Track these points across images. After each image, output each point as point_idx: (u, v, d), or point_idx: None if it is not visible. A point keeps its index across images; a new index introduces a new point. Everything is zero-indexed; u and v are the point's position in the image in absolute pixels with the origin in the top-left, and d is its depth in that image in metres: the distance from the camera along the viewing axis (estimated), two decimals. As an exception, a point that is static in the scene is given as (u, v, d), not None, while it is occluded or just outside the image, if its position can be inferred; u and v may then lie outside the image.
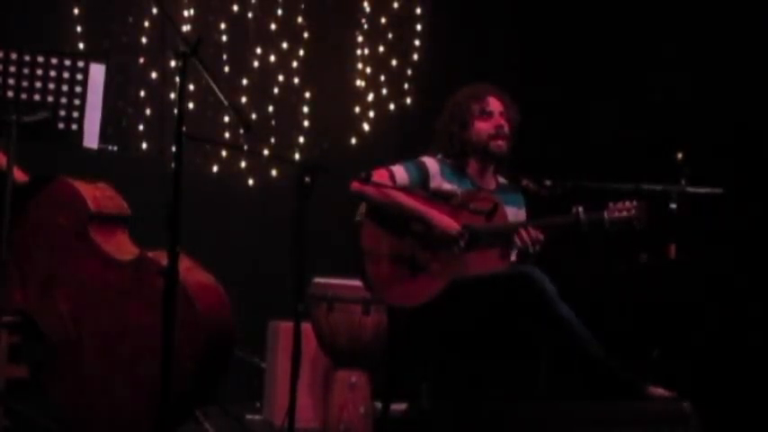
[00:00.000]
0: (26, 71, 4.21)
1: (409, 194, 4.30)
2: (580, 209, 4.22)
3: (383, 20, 6.44)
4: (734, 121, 5.46)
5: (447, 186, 4.39)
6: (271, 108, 6.24)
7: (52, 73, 4.23)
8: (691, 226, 4.61)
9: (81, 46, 5.83)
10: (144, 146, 5.97)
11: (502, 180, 4.56)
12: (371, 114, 6.41)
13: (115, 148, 4.75)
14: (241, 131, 6.01)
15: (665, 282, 4.72)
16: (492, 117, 4.42)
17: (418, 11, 6.49)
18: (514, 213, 4.46)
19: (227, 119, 6.04)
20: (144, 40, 6.00)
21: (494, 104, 4.43)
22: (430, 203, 4.31)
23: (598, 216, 4.21)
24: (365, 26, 6.41)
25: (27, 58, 4.21)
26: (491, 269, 4.26)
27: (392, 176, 4.32)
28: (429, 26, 6.49)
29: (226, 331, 4.31)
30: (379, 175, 4.30)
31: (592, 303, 4.29)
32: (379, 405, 4.83)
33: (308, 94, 6.31)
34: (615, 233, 4.21)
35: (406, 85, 6.47)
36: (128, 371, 4.13)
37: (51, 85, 4.23)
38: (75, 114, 4.26)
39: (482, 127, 4.42)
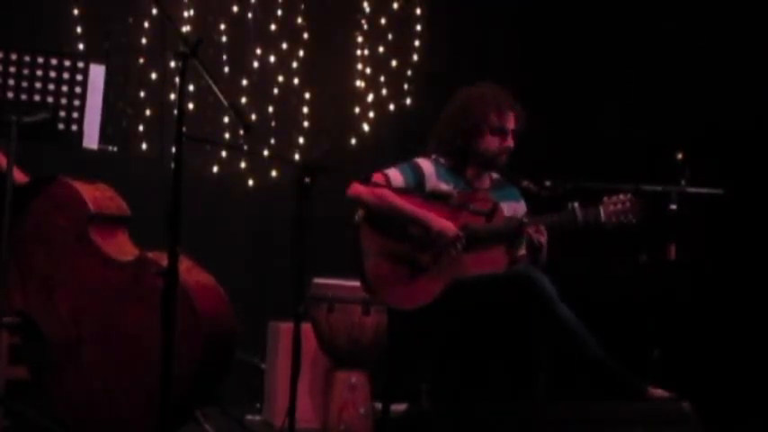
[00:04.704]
0: (26, 72, 4.21)
1: (407, 197, 4.30)
2: (575, 204, 4.25)
3: (383, 20, 6.44)
4: (734, 122, 5.46)
5: (443, 187, 4.39)
6: (271, 109, 6.24)
7: (52, 73, 4.23)
8: (691, 226, 4.62)
9: (81, 47, 5.83)
10: (144, 146, 5.98)
11: (495, 176, 4.56)
12: (371, 115, 6.41)
13: (115, 149, 4.74)
14: (241, 132, 6.01)
15: (665, 282, 4.72)
16: (505, 135, 4.40)
17: (418, 11, 6.48)
18: (513, 208, 4.47)
19: (226, 119, 6.04)
20: (144, 40, 6.00)
21: (510, 122, 4.39)
22: (428, 205, 4.30)
23: (594, 211, 4.24)
24: (365, 27, 6.41)
25: (27, 58, 4.22)
26: (490, 270, 4.26)
27: (388, 180, 4.32)
28: (429, 26, 6.49)
29: (226, 332, 4.31)
30: (374, 179, 4.30)
31: (592, 303, 4.30)
32: (378, 405, 4.83)
33: (307, 95, 6.30)
34: (612, 227, 4.23)
35: (405, 86, 6.47)
36: (128, 371, 4.13)
37: (51, 86, 4.23)
38: (75, 115, 4.26)
39: (492, 142, 4.40)
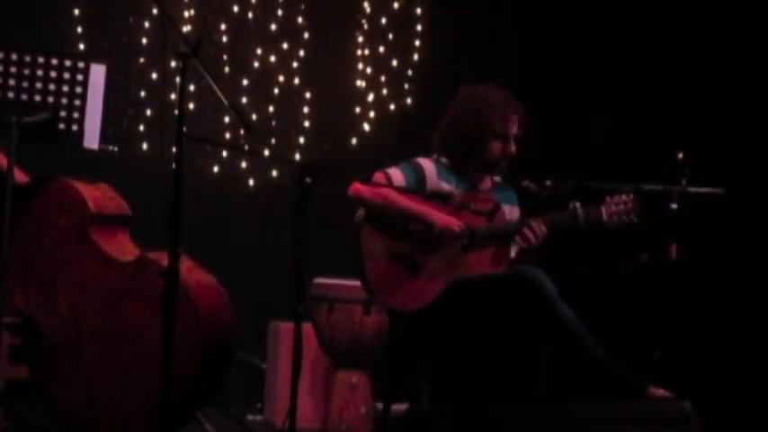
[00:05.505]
0: (26, 72, 4.21)
1: (408, 196, 4.30)
2: (577, 204, 4.26)
3: (383, 20, 6.44)
4: (734, 122, 5.46)
5: (444, 186, 4.39)
6: (271, 108, 6.24)
7: (53, 73, 4.23)
8: (691, 226, 4.62)
9: (81, 47, 5.84)
10: (144, 146, 5.98)
11: (496, 178, 4.56)
12: (372, 115, 6.41)
13: (115, 149, 4.74)
14: (241, 132, 6.02)
15: (666, 282, 4.72)
16: (507, 141, 4.39)
17: (418, 11, 6.49)
18: (509, 210, 4.47)
19: (227, 119, 6.04)
20: (144, 40, 6.00)
21: (513, 128, 4.38)
22: (429, 204, 4.30)
23: (595, 211, 4.24)
24: (365, 26, 6.41)
25: (27, 58, 4.21)
26: (491, 269, 4.27)
27: (389, 179, 4.32)
28: (429, 26, 6.49)
29: (227, 332, 4.31)
30: (376, 179, 4.30)
31: (592, 303, 4.29)
32: (379, 405, 4.83)
33: (308, 95, 6.31)
34: (612, 227, 4.24)
35: (406, 86, 6.47)
36: (128, 372, 4.13)
37: (52, 86, 4.23)
38: (76, 115, 4.26)
39: (495, 147, 4.40)
